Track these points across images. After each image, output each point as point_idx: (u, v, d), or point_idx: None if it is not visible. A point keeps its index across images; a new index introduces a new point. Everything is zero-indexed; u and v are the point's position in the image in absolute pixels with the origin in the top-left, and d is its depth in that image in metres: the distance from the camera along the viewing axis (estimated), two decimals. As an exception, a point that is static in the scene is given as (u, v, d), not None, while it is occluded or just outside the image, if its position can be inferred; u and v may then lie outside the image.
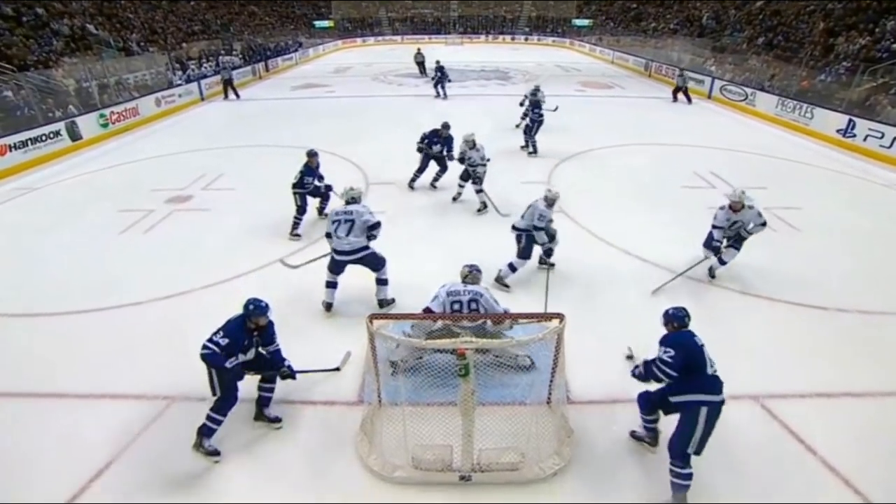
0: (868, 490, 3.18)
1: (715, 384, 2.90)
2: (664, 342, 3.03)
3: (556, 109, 11.34)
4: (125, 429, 3.64)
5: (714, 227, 5.23)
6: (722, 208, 5.18)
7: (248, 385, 3.54)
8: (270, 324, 3.52)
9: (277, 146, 10.99)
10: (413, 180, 8.23)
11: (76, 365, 4.33)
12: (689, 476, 2.96)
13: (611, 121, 13.57)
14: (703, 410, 2.85)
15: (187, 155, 10.61)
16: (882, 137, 10.14)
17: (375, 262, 4.89)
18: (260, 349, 3.55)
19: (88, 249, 6.42)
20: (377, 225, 4.79)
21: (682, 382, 2.93)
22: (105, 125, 12.09)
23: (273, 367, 3.63)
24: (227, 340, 3.25)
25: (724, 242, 5.29)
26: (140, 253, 6.33)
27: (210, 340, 3.25)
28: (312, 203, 6.92)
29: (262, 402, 3.66)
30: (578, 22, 38.81)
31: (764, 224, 5.18)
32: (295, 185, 6.47)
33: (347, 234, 4.71)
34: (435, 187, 8.21)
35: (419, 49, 22.65)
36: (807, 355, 4.43)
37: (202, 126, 13.60)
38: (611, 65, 26.58)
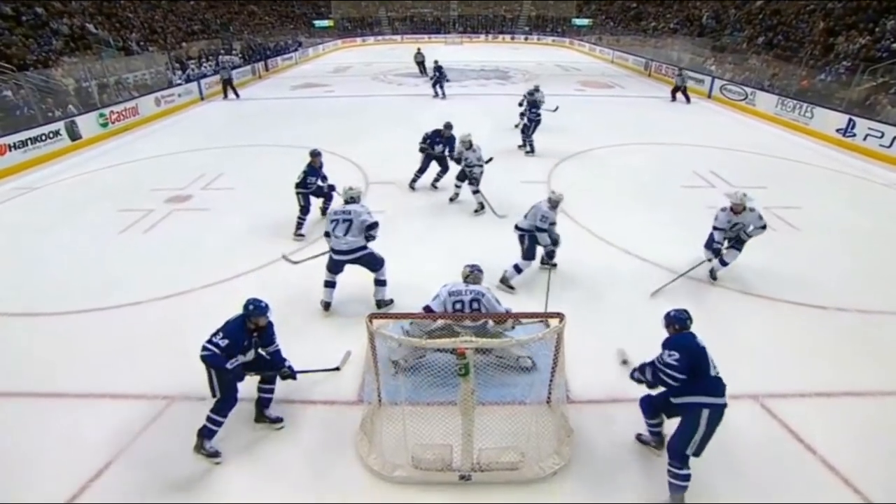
0: (868, 489, 3.18)
1: (718, 387, 2.89)
2: (667, 345, 3.01)
3: (556, 110, 11.34)
4: (125, 428, 3.64)
5: (715, 228, 5.22)
6: (723, 210, 5.17)
7: (248, 385, 3.54)
8: (270, 324, 3.51)
9: (277, 146, 11.00)
10: (414, 181, 8.19)
11: (76, 365, 4.33)
12: (687, 477, 2.96)
13: (611, 120, 13.57)
14: (705, 413, 2.84)
15: (187, 154, 10.60)
16: (882, 137, 10.14)
17: (374, 263, 4.88)
18: (259, 350, 3.54)
19: (88, 249, 6.42)
20: (375, 225, 4.77)
21: (685, 384, 2.91)
22: (105, 125, 12.09)
23: (273, 367, 3.62)
24: (226, 341, 3.23)
25: (725, 244, 5.29)
26: (140, 253, 6.33)
27: (210, 342, 3.24)
28: (317, 203, 6.90)
29: (263, 404, 3.65)
30: (578, 21, 38.82)
31: (764, 227, 5.18)
32: (298, 185, 6.46)
33: (345, 234, 4.71)
34: (436, 188, 8.20)
35: (419, 49, 22.65)
36: (806, 355, 4.43)
37: (202, 126, 13.59)
38: (611, 64, 26.57)
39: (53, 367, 4.31)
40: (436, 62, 16.55)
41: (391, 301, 5.03)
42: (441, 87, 16.18)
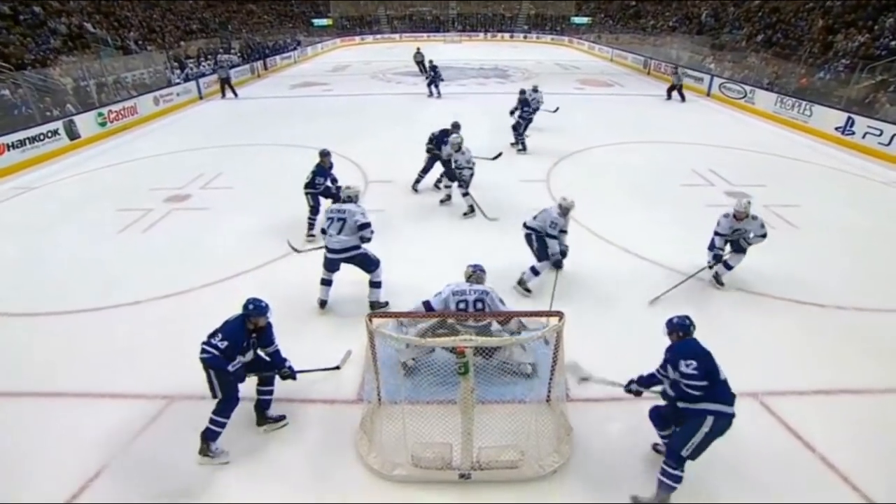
0: (866, 487, 3.19)
1: (727, 394, 2.85)
2: (676, 353, 2.93)
3: (556, 111, 11.34)
4: (125, 428, 3.63)
5: (716, 233, 5.17)
6: (725, 216, 5.11)
7: (247, 385, 3.53)
8: (269, 325, 3.47)
9: (276, 145, 10.99)
10: (417, 181, 8.03)
11: (75, 364, 4.33)
12: (678, 479, 2.92)
13: (610, 119, 13.57)
14: (710, 419, 2.80)
15: (185, 154, 10.59)
16: (881, 135, 10.15)
17: (367, 264, 4.85)
18: (258, 351, 3.51)
19: (87, 249, 6.42)
20: (366, 226, 4.73)
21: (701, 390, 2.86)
22: (103, 124, 12.07)
23: (272, 367, 3.60)
24: (225, 343, 3.19)
25: (727, 248, 5.26)
26: (139, 252, 6.32)
27: (208, 343, 3.21)
28: (326, 204, 6.81)
29: (263, 406, 3.62)
30: (577, 20, 38.81)
31: (764, 235, 5.12)
32: (306, 186, 6.36)
33: (338, 233, 4.70)
34: (438, 188, 8.12)
35: (418, 49, 22.62)
36: (805, 352, 4.44)
37: (200, 125, 13.57)
38: (610, 63, 26.56)
39: (53, 367, 4.31)
40: (430, 62, 16.56)
41: (386, 303, 4.98)
42: (436, 86, 16.16)
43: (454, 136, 7.25)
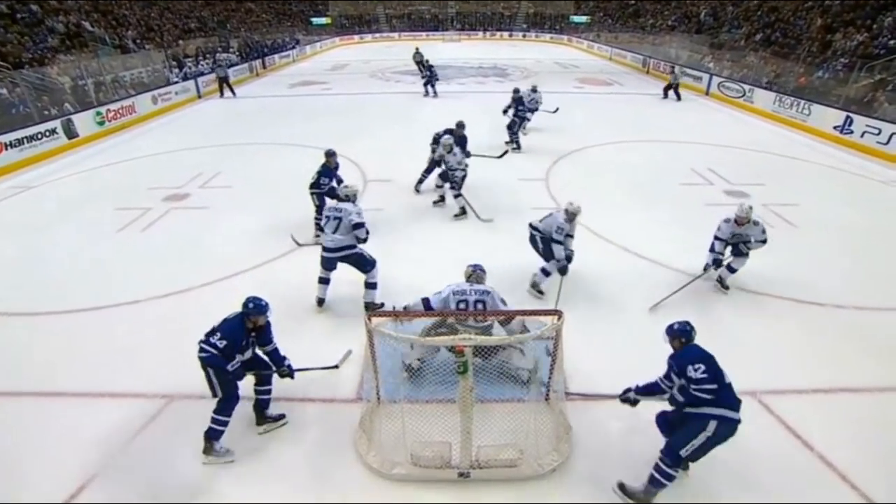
0: (865, 485, 3.20)
1: (732, 398, 2.83)
2: (686, 360, 2.89)
3: (556, 111, 11.34)
4: (124, 427, 3.63)
5: (716, 238, 5.15)
6: (726, 221, 5.08)
7: (246, 384, 3.52)
8: (268, 324, 3.46)
9: (274, 144, 10.98)
10: (420, 182, 7.96)
11: (75, 364, 4.32)
12: (671, 478, 2.92)
13: (609, 117, 13.58)
14: (713, 423, 2.78)
15: (184, 153, 10.57)
16: (879, 134, 10.16)
17: (362, 264, 4.83)
18: (256, 350, 3.50)
19: (86, 248, 6.41)
20: (360, 226, 4.69)
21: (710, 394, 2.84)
22: (101, 123, 12.04)
23: (270, 366, 3.59)
24: (224, 342, 3.18)
25: (728, 252, 5.25)
26: (138, 251, 6.31)
27: (207, 342, 3.20)
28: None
29: (262, 405, 3.62)
30: (576, 18, 38.82)
31: (765, 241, 5.09)
32: (311, 186, 6.26)
33: (334, 232, 4.71)
34: (440, 187, 8.09)
35: (417, 48, 22.58)
36: (804, 351, 4.45)
37: (199, 124, 13.55)
38: (609, 61, 26.56)
39: (52, 367, 4.30)
40: (427, 61, 16.55)
41: (381, 305, 4.93)
42: (432, 85, 16.13)
43: (445, 137, 7.19)
